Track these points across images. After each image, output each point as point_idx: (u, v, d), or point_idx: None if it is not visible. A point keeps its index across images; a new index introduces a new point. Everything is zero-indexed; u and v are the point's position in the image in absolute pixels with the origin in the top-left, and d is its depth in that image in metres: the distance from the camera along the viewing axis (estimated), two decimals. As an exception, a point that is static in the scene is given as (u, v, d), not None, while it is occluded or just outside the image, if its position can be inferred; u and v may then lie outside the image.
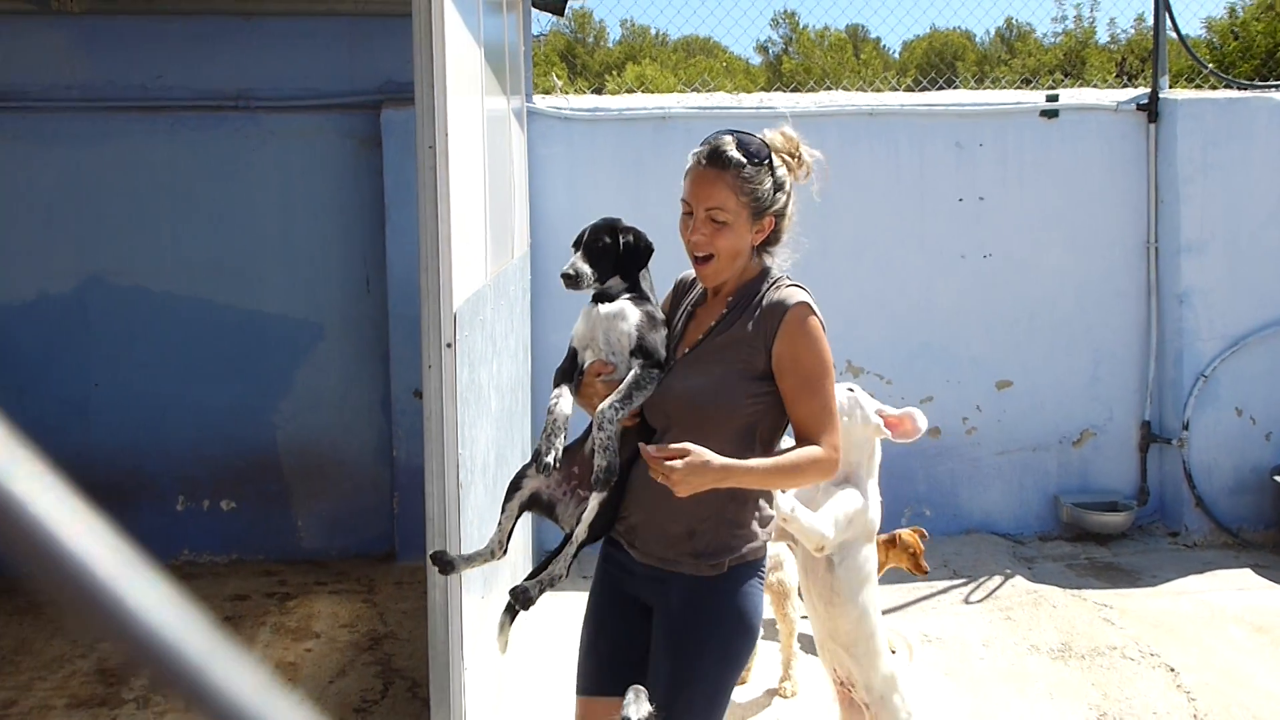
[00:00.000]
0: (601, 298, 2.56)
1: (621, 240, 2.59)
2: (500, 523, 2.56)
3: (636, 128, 6.06)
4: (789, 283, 2.52)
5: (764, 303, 2.46)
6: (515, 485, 2.58)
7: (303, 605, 5.45)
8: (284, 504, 6.10)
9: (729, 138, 2.44)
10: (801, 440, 2.39)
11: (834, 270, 6.17)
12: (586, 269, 2.53)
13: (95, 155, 5.89)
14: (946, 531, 6.28)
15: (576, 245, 2.58)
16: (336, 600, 5.51)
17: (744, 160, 2.41)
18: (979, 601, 5.32)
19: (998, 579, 5.58)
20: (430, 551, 2.64)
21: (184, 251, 5.95)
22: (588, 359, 2.53)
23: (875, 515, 3.20)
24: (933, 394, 6.26)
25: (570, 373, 2.54)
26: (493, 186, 3.94)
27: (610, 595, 2.61)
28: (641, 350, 2.47)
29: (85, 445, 5.92)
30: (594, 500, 2.48)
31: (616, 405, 2.39)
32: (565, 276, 2.53)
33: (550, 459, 2.40)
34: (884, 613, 5.12)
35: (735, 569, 2.43)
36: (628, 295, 2.56)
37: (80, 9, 5.66)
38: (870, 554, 3.20)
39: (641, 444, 2.33)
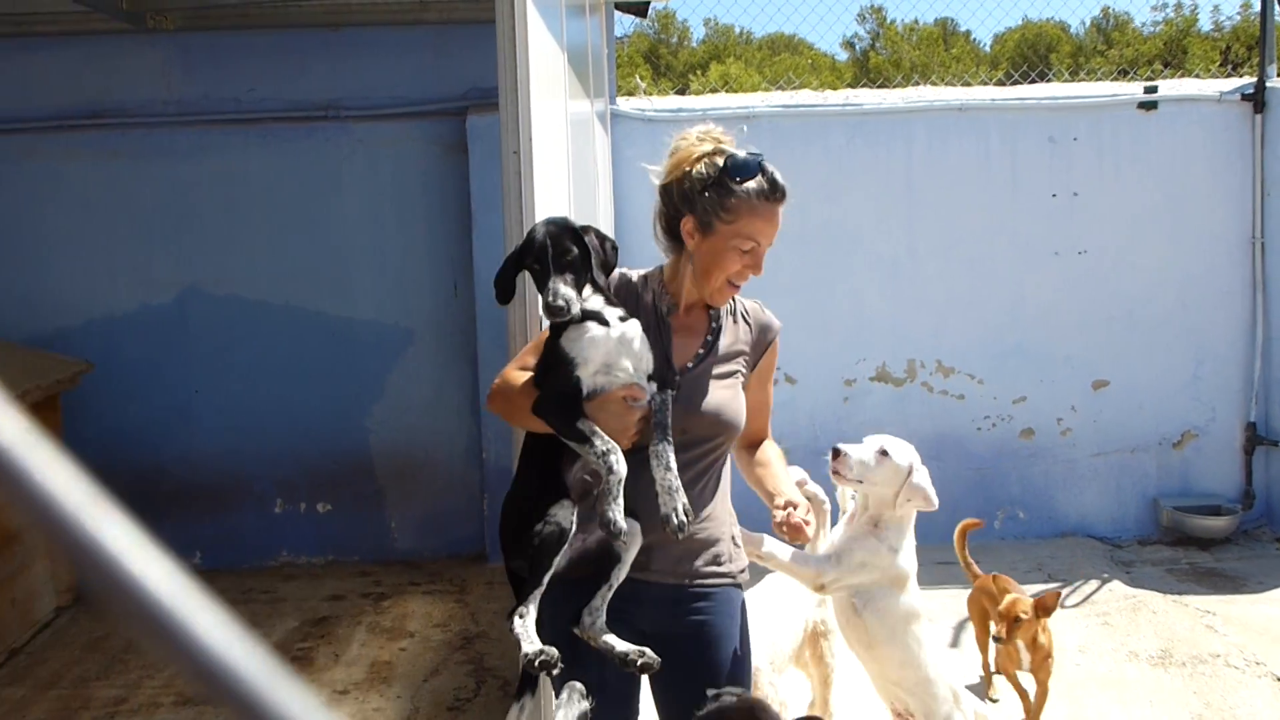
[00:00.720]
0: (591, 316, 2.28)
1: (587, 244, 2.30)
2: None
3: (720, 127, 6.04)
4: (749, 301, 2.63)
5: (748, 318, 2.56)
6: (548, 550, 2.27)
7: (397, 605, 5.55)
8: (378, 506, 6.21)
9: (770, 165, 2.37)
10: (757, 431, 2.63)
11: (922, 269, 6.10)
12: (572, 292, 2.23)
13: (192, 169, 6.06)
14: (1041, 534, 6.16)
15: (536, 259, 2.25)
16: (430, 600, 5.60)
17: None
18: (1075, 606, 5.21)
19: (1094, 583, 5.45)
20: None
21: (277, 260, 6.10)
22: (597, 384, 2.26)
23: (904, 565, 3.03)
24: (1025, 394, 6.14)
25: (579, 410, 2.24)
26: (577, 190, 3.96)
27: (611, 622, 2.37)
28: (658, 374, 2.32)
29: (189, 450, 6.10)
30: (634, 545, 2.35)
31: (667, 441, 2.27)
32: (554, 309, 2.21)
33: (621, 524, 2.19)
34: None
35: (741, 586, 2.59)
36: (617, 311, 2.32)
37: (174, 26, 5.83)
38: (905, 601, 3.02)
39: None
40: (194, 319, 6.11)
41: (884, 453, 2.86)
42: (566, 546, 2.26)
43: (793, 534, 2.44)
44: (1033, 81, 6.67)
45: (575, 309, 2.21)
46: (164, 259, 6.08)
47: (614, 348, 2.24)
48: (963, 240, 6.10)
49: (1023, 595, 3.80)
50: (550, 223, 2.32)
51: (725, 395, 2.46)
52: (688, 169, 2.36)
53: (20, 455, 0.43)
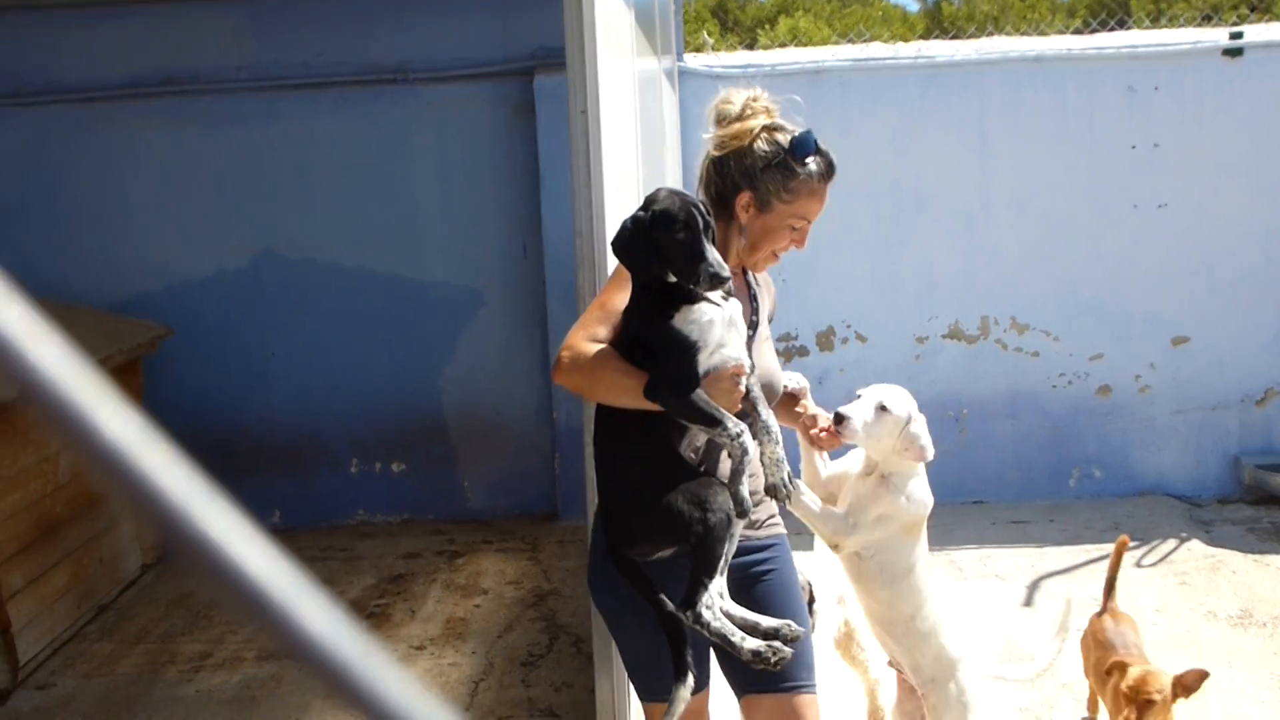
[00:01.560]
0: (690, 298, 2.23)
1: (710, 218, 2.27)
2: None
3: (790, 83, 5.90)
4: None
5: (759, 280, 2.62)
6: (720, 538, 2.25)
7: (471, 563, 5.63)
8: (451, 466, 6.30)
9: (823, 143, 2.41)
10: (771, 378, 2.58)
11: (996, 224, 6.00)
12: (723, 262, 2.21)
13: (264, 134, 6.14)
14: (1117, 493, 6.06)
15: (684, 228, 2.18)
16: (503, 558, 5.68)
17: None
18: (1152, 565, 5.13)
19: (1173, 542, 5.36)
20: None
21: (348, 224, 6.17)
22: (711, 365, 2.22)
23: (919, 507, 2.86)
24: (1102, 351, 6.03)
25: (712, 405, 2.20)
26: (645, 149, 3.94)
27: (677, 583, 2.35)
28: (748, 349, 2.36)
29: (266, 412, 6.23)
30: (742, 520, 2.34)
31: (771, 411, 2.32)
32: (718, 279, 2.16)
33: (750, 503, 2.23)
34: (1051, 575, 5.04)
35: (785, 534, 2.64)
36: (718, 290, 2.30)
37: (245, -7, 5.90)
38: (913, 547, 2.89)
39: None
40: (269, 283, 6.21)
41: (883, 407, 2.73)
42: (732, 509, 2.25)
43: (828, 442, 2.69)
44: (1111, 29, 6.48)
45: (726, 272, 2.18)
46: (239, 224, 6.19)
47: (725, 328, 2.23)
48: (1038, 194, 5.98)
49: (1153, 667, 3.22)
50: (678, 192, 2.26)
51: (772, 361, 2.55)
52: (748, 144, 2.36)
53: (135, 452, 0.44)
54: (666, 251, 2.19)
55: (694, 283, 2.17)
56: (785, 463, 2.27)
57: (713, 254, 2.16)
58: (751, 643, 2.14)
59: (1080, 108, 5.94)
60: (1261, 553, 5.17)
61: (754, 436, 2.22)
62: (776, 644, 2.17)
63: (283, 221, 6.19)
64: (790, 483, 2.30)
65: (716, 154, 2.42)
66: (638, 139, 3.73)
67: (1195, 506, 5.91)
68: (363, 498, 6.32)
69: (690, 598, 2.17)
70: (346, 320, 6.20)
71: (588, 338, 2.37)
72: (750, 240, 2.42)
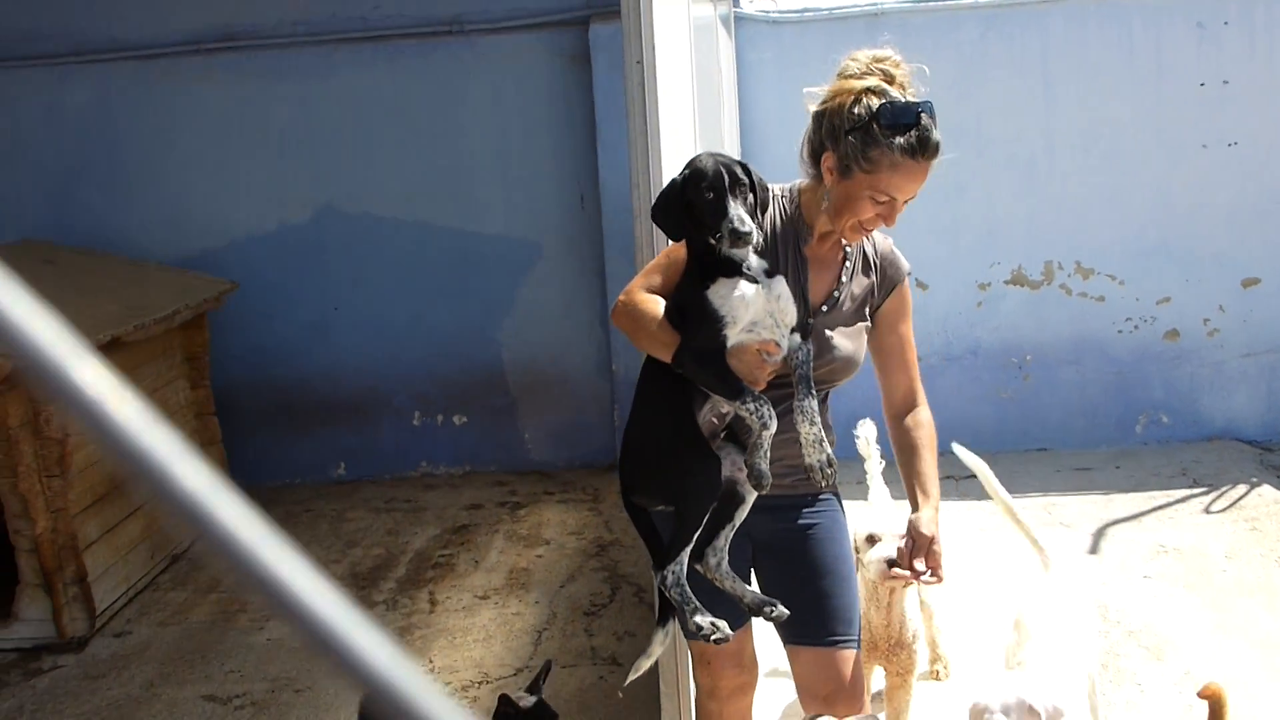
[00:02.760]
0: (732, 268, 2.19)
1: (753, 178, 2.23)
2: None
3: (848, 26, 5.87)
4: (882, 236, 2.53)
5: (878, 259, 2.51)
6: (701, 509, 2.32)
7: (533, 514, 5.69)
8: (511, 418, 6.35)
9: (927, 119, 2.22)
10: (899, 395, 2.56)
11: (1059, 165, 5.87)
12: (753, 224, 2.16)
13: (322, 88, 6.16)
14: (1185, 438, 5.96)
15: (710, 187, 2.16)
16: (564, 509, 5.73)
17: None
18: (1221, 511, 5.05)
19: (1243, 488, 5.27)
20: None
21: (407, 177, 6.19)
22: (741, 340, 2.21)
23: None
24: (1170, 295, 5.90)
25: (735, 377, 2.21)
26: (701, 98, 3.90)
27: None
28: (800, 327, 2.28)
29: (329, 365, 6.31)
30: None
31: (812, 394, 2.27)
32: (739, 235, 2.12)
33: (769, 477, 2.24)
34: (1118, 523, 4.98)
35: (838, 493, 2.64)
36: (764, 263, 2.25)
37: (301, -53, 5.90)
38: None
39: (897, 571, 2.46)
40: (330, 237, 6.27)
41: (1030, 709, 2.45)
42: (722, 483, 2.31)
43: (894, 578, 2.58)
44: (1180, -37, 6.28)
45: (758, 236, 2.15)
46: (299, 179, 6.23)
47: (764, 305, 2.20)
48: (1103, 135, 5.83)
49: None
50: (716, 154, 2.27)
51: (852, 345, 2.46)
52: (844, 102, 2.26)
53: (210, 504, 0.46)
54: (697, 210, 2.18)
55: (716, 238, 2.15)
56: (825, 444, 2.27)
57: (736, 211, 2.13)
58: (697, 618, 2.24)
59: (1147, 45, 5.77)
60: (1335, 498, 5.07)
61: (802, 415, 2.24)
62: (719, 624, 2.25)
63: (342, 176, 6.23)
64: (829, 466, 2.28)
65: (817, 109, 2.34)
66: (694, 88, 3.68)
67: (1266, 451, 5.79)
68: (425, 450, 6.40)
69: (661, 560, 2.29)
70: (407, 274, 6.25)
71: (645, 286, 2.41)
72: (833, 205, 2.31)
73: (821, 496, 2.58)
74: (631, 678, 2.57)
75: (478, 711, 3.80)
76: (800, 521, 2.53)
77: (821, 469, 2.27)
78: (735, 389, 2.19)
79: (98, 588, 4.62)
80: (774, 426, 2.19)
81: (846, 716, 2.43)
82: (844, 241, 2.42)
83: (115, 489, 4.83)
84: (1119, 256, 5.90)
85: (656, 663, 3.12)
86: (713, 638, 2.25)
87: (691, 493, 2.28)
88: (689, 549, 2.29)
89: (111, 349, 4.63)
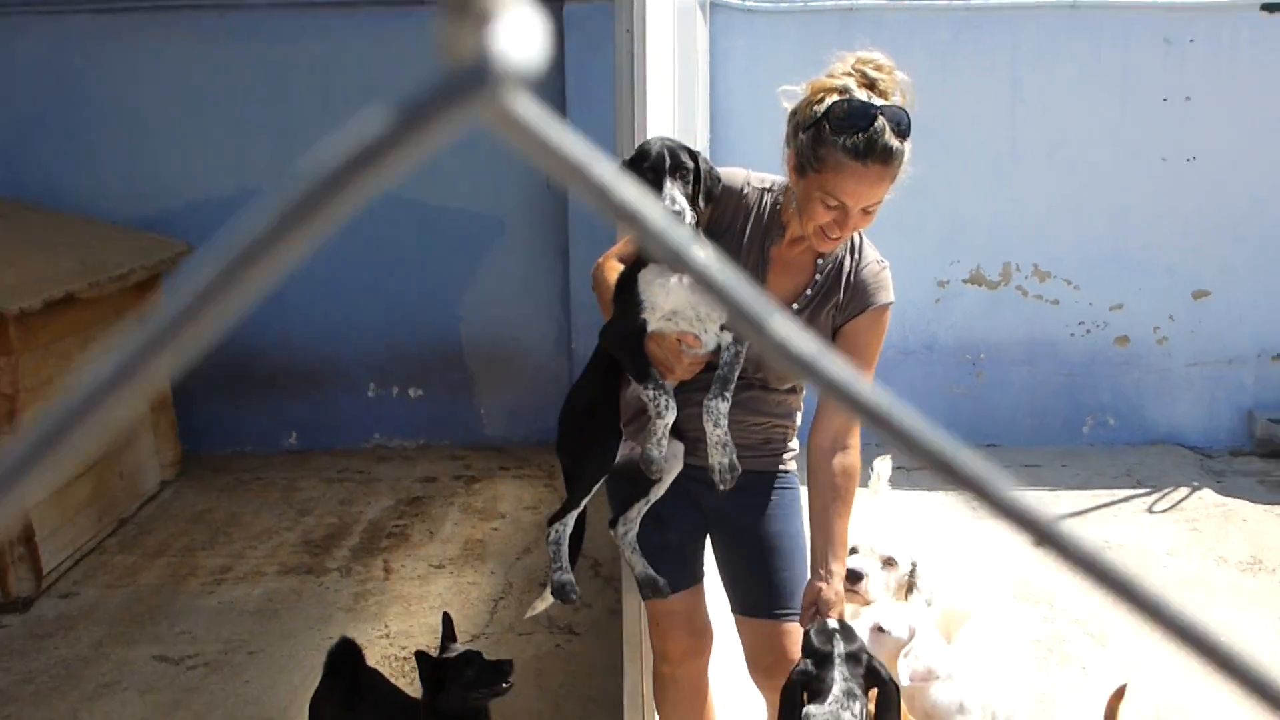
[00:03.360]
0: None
1: (699, 164, 2.21)
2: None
3: (821, 20, 5.92)
4: (877, 260, 2.41)
5: (854, 279, 2.37)
6: (590, 479, 2.41)
7: (488, 488, 5.69)
8: (468, 393, 6.33)
9: (883, 122, 2.10)
10: (836, 427, 2.40)
11: (1023, 172, 5.98)
12: (685, 201, 2.14)
13: (289, 53, 6.07)
14: (1130, 441, 6.11)
15: (652, 167, 2.15)
16: (519, 484, 5.73)
17: (904, 146, 2.13)
18: (1163, 512, 5.18)
19: (1184, 490, 5.41)
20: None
21: (374, 146, 6.12)
22: (664, 328, 2.23)
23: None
24: (1123, 302, 6.04)
25: (644, 361, 2.24)
26: (681, 80, 3.91)
27: (674, 496, 2.51)
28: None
29: (283, 334, 6.23)
30: (675, 468, 2.44)
31: (725, 396, 2.26)
32: (670, 215, 2.20)
33: (659, 465, 2.29)
34: (1064, 517, 5.09)
35: (794, 471, 2.60)
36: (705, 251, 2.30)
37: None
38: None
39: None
40: (291, 204, 6.17)
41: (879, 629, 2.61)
42: (615, 460, 2.37)
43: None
44: (1146, -21, 6.42)
45: (689, 217, 2.14)
46: (260, 143, 6.14)
47: (685, 296, 2.18)
48: (1067, 142, 5.95)
49: None
50: (665, 139, 2.25)
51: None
52: (810, 100, 2.20)
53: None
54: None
55: None
56: (729, 449, 2.27)
57: (670, 191, 2.11)
58: (556, 576, 2.39)
59: (1114, 57, 5.90)
60: (1272, 503, 5.22)
61: (708, 414, 2.25)
62: (573, 594, 2.39)
63: (304, 142, 6.13)
64: (730, 470, 2.27)
65: (792, 107, 2.28)
66: (675, 68, 3.69)
67: (1207, 457, 5.95)
68: (379, 422, 6.36)
69: (552, 516, 2.43)
70: (366, 244, 6.19)
71: (620, 254, 2.48)
72: (797, 206, 2.26)
73: (779, 472, 2.59)
74: (529, 614, 2.79)
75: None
76: (752, 497, 2.54)
77: (721, 472, 2.28)
78: (642, 372, 2.24)
79: (45, 548, 4.53)
80: (669, 418, 2.24)
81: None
82: (827, 257, 2.36)
83: (65, 445, 4.75)
84: (1075, 262, 6.02)
85: (621, 629, 3.16)
86: (566, 600, 2.39)
87: (586, 461, 2.38)
88: (575, 512, 2.41)
89: (65, 305, 4.55)
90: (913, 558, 2.79)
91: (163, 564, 4.79)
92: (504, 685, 2.71)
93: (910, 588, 2.80)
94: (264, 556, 4.86)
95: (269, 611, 4.32)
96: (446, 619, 2.89)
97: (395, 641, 4.04)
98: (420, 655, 2.72)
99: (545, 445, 6.23)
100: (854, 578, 2.64)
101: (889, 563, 2.74)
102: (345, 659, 2.89)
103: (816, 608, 2.34)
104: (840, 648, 2.16)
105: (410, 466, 6.02)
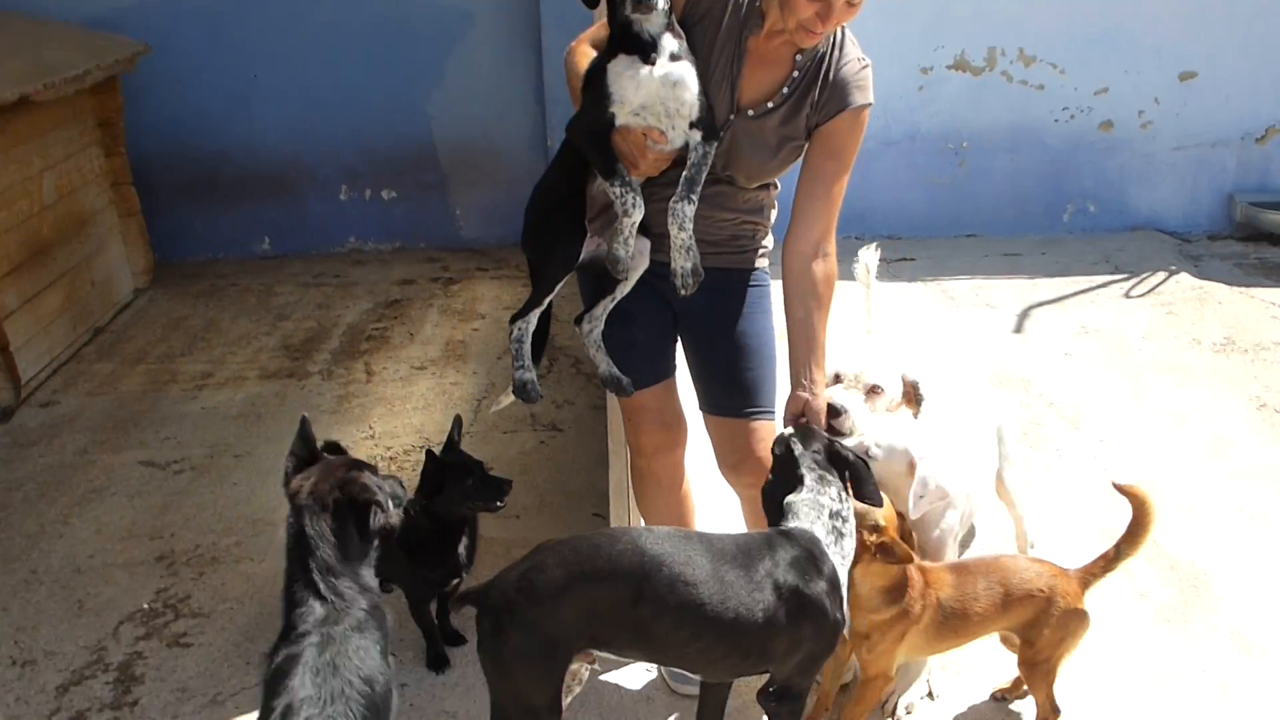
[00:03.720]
0: (639, 46, 2.10)
1: None
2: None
3: None
4: (858, 58, 2.31)
5: (834, 77, 2.28)
6: (553, 276, 2.36)
7: (466, 289, 5.65)
8: (442, 194, 6.21)
9: None
10: (815, 233, 2.34)
11: (1008, -52, 5.74)
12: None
13: None
14: (1111, 228, 6.09)
15: None
16: (498, 285, 5.70)
17: None
18: (1141, 296, 5.20)
19: (1162, 274, 5.43)
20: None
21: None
22: (631, 124, 2.17)
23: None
24: (1108, 85, 5.91)
25: (611, 156, 2.18)
26: None
27: (643, 292, 2.49)
28: (704, 124, 2.17)
29: (250, 136, 6.06)
30: (641, 265, 2.40)
31: (691, 199, 2.19)
32: (643, 3, 2.06)
33: (624, 264, 2.24)
34: (1041, 305, 5.13)
35: (764, 268, 2.56)
36: (676, 44, 2.15)
37: None
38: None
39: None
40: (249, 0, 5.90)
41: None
42: (580, 257, 2.32)
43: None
44: None
45: (663, 4, 2.07)
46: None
47: (656, 90, 2.11)
48: (1056, -84, 5.69)
49: None
50: None
51: (767, 157, 2.35)
52: None
53: None
54: None
55: (621, 2, 2.08)
56: (693, 253, 2.21)
57: None
58: (518, 375, 2.38)
59: None
60: (1247, 285, 5.25)
61: (674, 217, 2.19)
62: (534, 392, 2.39)
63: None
64: (693, 274, 2.22)
65: None
66: None
67: (1185, 242, 5.95)
68: (353, 225, 6.26)
69: (515, 314, 2.40)
70: (331, 40, 5.94)
71: (593, 38, 2.35)
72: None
73: (748, 269, 2.54)
74: (492, 409, 2.71)
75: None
76: (720, 296, 2.50)
77: (683, 277, 2.22)
78: (608, 168, 2.17)
79: (21, 358, 4.51)
80: (636, 216, 2.18)
81: (751, 485, 2.47)
82: (807, 53, 2.26)
83: (33, 256, 4.67)
84: (1062, 45, 5.85)
85: (607, 425, 3.18)
86: (526, 400, 2.39)
87: (550, 256, 2.33)
88: (538, 310, 2.38)
89: (20, 110, 4.38)
90: (910, 377, 2.72)
91: (142, 371, 4.78)
92: (497, 504, 2.72)
93: (918, 401, 2.74)
94: (244, 362, 4.85)
95: (252, 415, 4.34)
96: (457, 421, 2.85)
97: (380, 442, 4.08)
98: (429, 454, 2.73)
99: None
100: (833, 413, 2.61)
101: (873, 391, 2.67)
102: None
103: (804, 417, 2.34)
104: (799, 447, 2.19)
105: (387, 269, 5.96)
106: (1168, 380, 4.37)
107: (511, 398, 2.60)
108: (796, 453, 2.18)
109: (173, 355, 4.94)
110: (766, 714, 2.21)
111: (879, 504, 2.24)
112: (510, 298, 5.49)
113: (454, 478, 2.70)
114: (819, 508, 2.13)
